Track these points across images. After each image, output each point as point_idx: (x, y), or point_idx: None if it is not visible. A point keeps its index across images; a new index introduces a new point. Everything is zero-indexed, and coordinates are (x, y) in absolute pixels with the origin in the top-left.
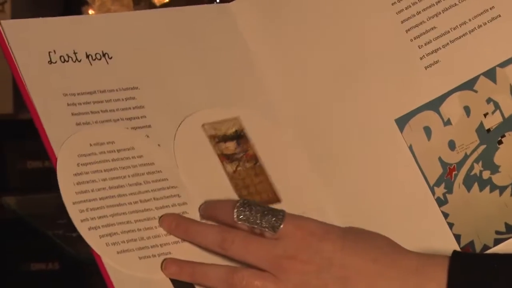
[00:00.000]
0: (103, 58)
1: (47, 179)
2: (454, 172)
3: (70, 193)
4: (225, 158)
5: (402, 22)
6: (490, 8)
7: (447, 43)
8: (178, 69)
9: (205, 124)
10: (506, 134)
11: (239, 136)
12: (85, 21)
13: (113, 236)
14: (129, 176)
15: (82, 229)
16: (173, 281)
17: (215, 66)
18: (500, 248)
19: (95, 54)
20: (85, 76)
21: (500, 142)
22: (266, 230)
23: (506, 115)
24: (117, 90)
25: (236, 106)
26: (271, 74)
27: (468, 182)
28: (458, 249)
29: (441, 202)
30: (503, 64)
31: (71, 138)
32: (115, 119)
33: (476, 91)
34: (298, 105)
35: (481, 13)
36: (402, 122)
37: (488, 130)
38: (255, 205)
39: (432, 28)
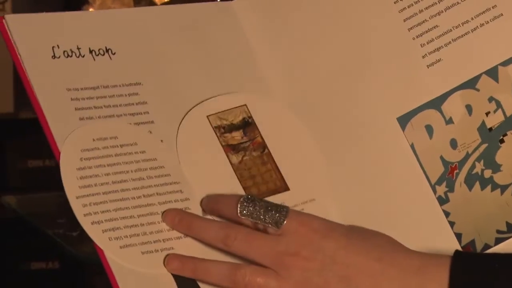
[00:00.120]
0: (106, 54)
1: (48, 178)
2: (455, 171)
3: (73, 188)
4: (230, 149)
5: (404, 20)
6: (492, 7)
7: (449, 42)
8: (180, 65)
9: (210, 115)
10: (508, 133)
11: (247, 124)
12: (88, 16)
13: (116, 231)
14: (132, 171)
15: (85, 223)
16: (175, 276)
17: (217, 62)
18: (501, 247)
19: (98, 50)
20: (88, 71)
21: (501, 141)
22: (269, 226)
23: (508, 114)
24: (120, 86)
25: (243, 92)
26: (273, 72)
27: (470, 181)
28: (459, 247)
29: (442, 200)
30: (505, 63)
31: (74, 133)
32: (118, 114)
33: (478, 90)
34: (299, 104)
35: (483, 11)
36: (404, 120)
37: (490, 129)
38: (258, 200)
39: (434, 27)
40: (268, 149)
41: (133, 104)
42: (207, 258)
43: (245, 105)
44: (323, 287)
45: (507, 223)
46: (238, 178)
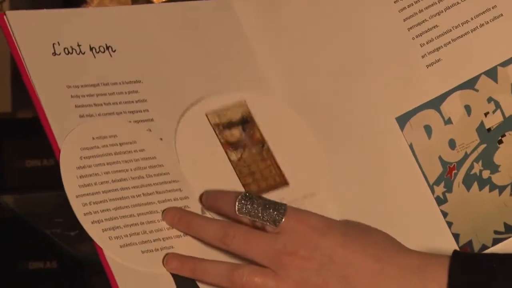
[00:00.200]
0: (106, 51)
1: (46, 178)
2: (454, 171)
3: (73, 187)
4: (229, 146)
5: (404, 20)
6: (492, 7)
7: (449, 42)
8: (180, 63)
9: (209, 113)
10: (507, 133)
11: (246, 121)
12: (89, 14)
13: (116, 230)
14: (131, 170)
15: (85, 222)
16: (174, 276)
17: (216, 60)
18: (499, 248)
19: (99, 47)
20: (88, 69)
21: (500, 142)
22: (267, 224)
23: (507, 114)
24: (120, 83)
25: (243, 90)
26: (272, 72)
27: (468, 181)
28: (456, 248)
29: (440, 201)
30: (504, 64)
31: (74, 131)
32: (118, 112)
33: (477, 90)
34: (299, 104)
35: (483, 12)
36: (402, 120)
37: (489, 130)
38: (257, 198)
39: (434, 27)
40: (267, 145)
41: (132, 102)
42: (206, 257)
43: (245, 101)
44: (321, 286)
45: (505, 223)
46: (237, 175)
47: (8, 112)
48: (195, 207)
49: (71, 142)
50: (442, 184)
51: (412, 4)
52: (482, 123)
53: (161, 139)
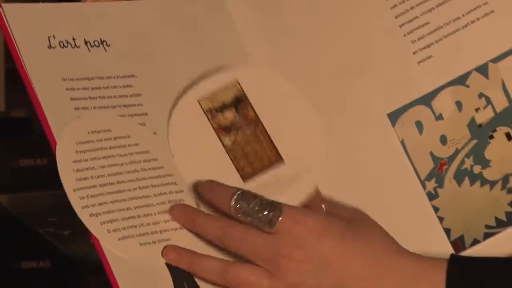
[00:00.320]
0: (101, 46)
1: (39, 177)
2: (445, 167)
3: (71, 180)
4: (222, 130)
5: (396, 17)
6: (484, 4)
7: (440, 39)
8: (174, 58)
9: (201, 98)
10: (498, 129)
11: (239, 101)
12: (84, 8)
13: (114, 223)
14: (126, 164)
15: (83, 215)
16: (170, 269)
17: (210, 55)
18: (490, 242)
19: (93, 41)
20: (83, 62)
21: (491, 137)
22: (263, 224)
23: (498, 110)
24: (114, 77)
25: (235, 68)
26: (265, 66)
27: (459, 177)
28: (448, 243)
29: (431, 196)
30: (495, 60)
31: (69, 126)
32: (113, 105)
33: (468, 86)
34: None
35: (474, 8)
36: (394, 116)
37: (480, 125)
38: (253, 197)
39: (425, 24)
40: (261, 123)
41: (127, 96)
42: (202, 250)
43: (237, 81)
44: None
45: (496, 218)
46: (231, 160)
47: (1, 112)
48: (190, 200)
49: (67, 136)
50: (434, 179)
51: (404, 1)
52: (473, 119)
53: (154, 133)
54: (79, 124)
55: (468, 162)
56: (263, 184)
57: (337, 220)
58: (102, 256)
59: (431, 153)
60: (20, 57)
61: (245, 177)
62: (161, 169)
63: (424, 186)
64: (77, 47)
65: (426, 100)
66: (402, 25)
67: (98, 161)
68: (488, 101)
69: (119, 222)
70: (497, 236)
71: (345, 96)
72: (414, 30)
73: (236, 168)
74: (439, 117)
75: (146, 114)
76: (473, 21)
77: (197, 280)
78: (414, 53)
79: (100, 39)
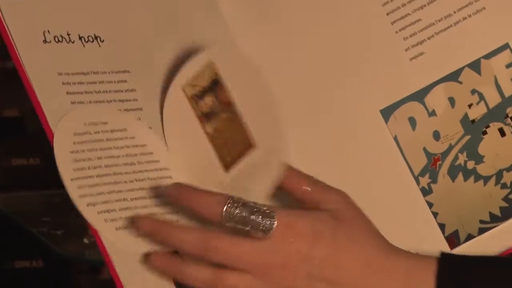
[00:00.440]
0: (95, 41)
1: (32, 177)
2: (438, 162)
3: (68, 170)
4: (205, 118)
5: (387, 14)
6: (475, 1)
7: (432, 35)
8: (167, 54)
9: (184, 86)
10: (491, 124)
11: (216, 83)
12: (78, 3)
13: (111, 213)
14: (123, 156)
15: (81, 205)
16: None
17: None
18: (484, 237)
19: (88, 36)
20: (78, 57)
21: (484, 133)
22: (257, 232)
23: (491, 106)
24: (109, 73)
25: (208, 50)
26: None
27: (453, 172)
28: (442, 238)
29: (425, 192)
30: (487, 56)
31: (66, 117)
32: (108, 100)
33: (460, 83)
34: (281, 96)
35: (466, 5)
36: (387, 112)
37: (473, 121)
38: (243, 204)
39: (417, 20)
40: (235, 106)
41: (122, 91)
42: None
43: (213, 62)
44: None
45: (490, 213)
46: (214, 150)
47: None
48: None
49: (64, 127)
50: (427, 175)
51: None
52: (466, 115)
53: (150, 128)
54: (76, 115)
55: (462, 158)
56: (241, 174)
57: (327, 220)
58: (101, 247)
59: (425, 149)
60: (16, 51)
61: (227, 167)
62: (157, 162)
63: (418, 182)
64: (71, 42)
65: (419, 96)
66: (394, 22)
67: (95, 152)
68: (481, 97)
69: (116, 212)
70: (491, 231)
71: (337, 93)
72: (406, 27)
73: (218, 158)
74: (432, 113)
75: (141, 109)
76: (464, 18)
77: None
78: (406, 50)
79: (94, 34)
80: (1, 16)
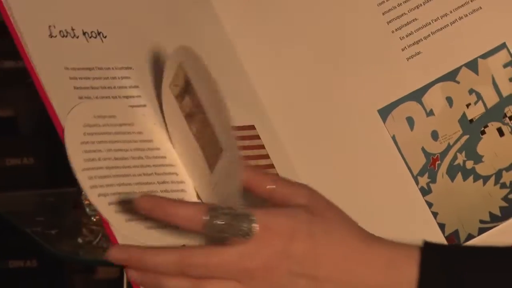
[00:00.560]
0: (98, 37)
1: (26, 177)
2: (437, 162)
3: (79, 160)
4: (189, 117)
5: (383, 14)
6: (471, 0)
7: (429, 35)
8: (168, 52)
9: (170, 85)
10: (489, 124)
11: (188, 84)
12: None
13: (121, 205)
14: (131, 150)
15: (92, 195)
16: None
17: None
18: (484, 237)
19: (91, 32)
20: (83, 53)
21: (483, 132)
22: (239, 238)
23: (489, 105)
24: (113, 69)
25: (177, 51)
26: (253, 64)
27: (452, 172)
28: (442, 238)
29: (424, 191)
30: (484, 56)
31: (75, 108)
32: (114, 96)
33: (458, 82)
34: (279, 97)
35: (462, 5)
36: (384, 112)
37: (471, 121)
38: (224, 211)
39: (413, 20)
40: (204, 108)
41: (126, 87)
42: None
43: (182, 63)
44: None
45: (490, 213)
46: (201, 150)
47: None
48: (191, 191)
49: (74, 118)
50: (426, 175)
51: None
52: (464, 115)
53: (154, 124)
54: (85, 107)
55: (461, 158)
56: (219, 176)
57: (302, 215)
58: (112, 238)
59: (423, 149)
60: (23, 45)
61: (211, 166)
62: (164, 158)
63: (417, 182)
64: (76, 37)
65: (417, 96)
66: (390, 21)
67: (105, 144)
68: (479, 96)
69: (126, 204)
70: (491, 231)
71: (335, 93)
72: (402, 27)
73: (205, 157)
74: (430, 113)
75: (145, 105)
76: (461, 18)
77: None
78: (402, 49)
79: (97, 30)
80: (7, 9)
